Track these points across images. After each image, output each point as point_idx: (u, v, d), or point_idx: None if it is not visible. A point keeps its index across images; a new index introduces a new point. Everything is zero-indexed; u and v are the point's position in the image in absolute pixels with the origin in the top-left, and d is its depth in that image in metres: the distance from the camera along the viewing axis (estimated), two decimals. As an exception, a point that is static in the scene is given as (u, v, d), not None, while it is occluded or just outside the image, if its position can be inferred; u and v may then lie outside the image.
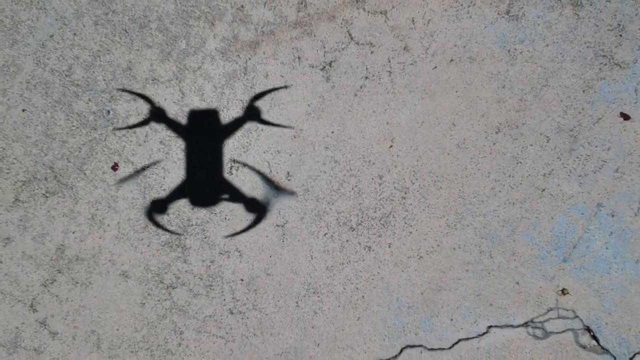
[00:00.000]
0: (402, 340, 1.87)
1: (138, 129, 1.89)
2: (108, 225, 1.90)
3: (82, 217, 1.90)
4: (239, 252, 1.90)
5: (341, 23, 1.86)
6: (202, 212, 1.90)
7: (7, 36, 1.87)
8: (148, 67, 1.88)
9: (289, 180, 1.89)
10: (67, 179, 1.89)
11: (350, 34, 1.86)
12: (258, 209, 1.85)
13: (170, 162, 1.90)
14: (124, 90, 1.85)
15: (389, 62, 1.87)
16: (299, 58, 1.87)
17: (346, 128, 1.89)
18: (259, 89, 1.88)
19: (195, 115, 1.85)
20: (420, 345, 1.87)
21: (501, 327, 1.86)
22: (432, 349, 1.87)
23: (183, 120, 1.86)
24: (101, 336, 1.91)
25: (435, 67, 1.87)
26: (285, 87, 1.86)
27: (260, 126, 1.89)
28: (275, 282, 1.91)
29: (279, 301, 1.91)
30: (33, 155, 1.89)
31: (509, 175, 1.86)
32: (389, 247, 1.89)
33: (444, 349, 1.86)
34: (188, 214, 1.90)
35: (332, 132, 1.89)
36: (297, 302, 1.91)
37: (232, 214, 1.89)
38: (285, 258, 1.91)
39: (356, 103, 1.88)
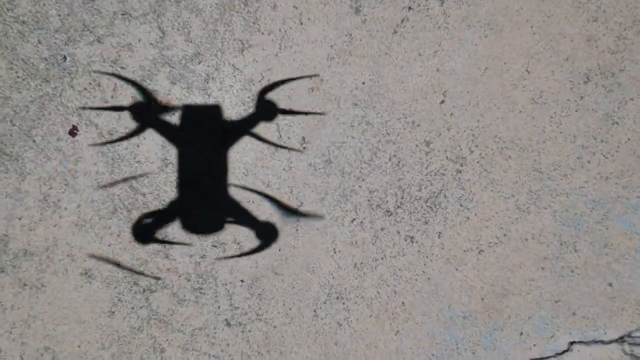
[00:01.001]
0: None
1: (104, 80, 1.57)
2: (65, 208, 1.64)
3: (31, 199, 1.65)
4: (239, 244, 1.64)
5: None
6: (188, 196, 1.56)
7: None
8: None
9: (304, 147, 1.64)
10: (10, 148, 1.63)
11: None
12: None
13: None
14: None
15: None
16: None
17: (382, 77, 1.66)
18: (264, 26, 1.56)
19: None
20: None
21: (587, 343, 1.68)
22: None
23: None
24: (57, 355, 1.69)
25: None
26: (300, 22, 1.52)
27: (266, 75, 1.56)
28: (287, 285, 1.69)
29: (290, 309, 1.71)
30: None
31: (602, 140, 1.64)
32: (439, 237, 1.69)
33: None
34: (169, 193, 1.58)
35: (363, 83, 1.66)
36: (315, 311, 1.70)
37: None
38: (300, 252, 1.68)
39: (396, 43, 1.65)
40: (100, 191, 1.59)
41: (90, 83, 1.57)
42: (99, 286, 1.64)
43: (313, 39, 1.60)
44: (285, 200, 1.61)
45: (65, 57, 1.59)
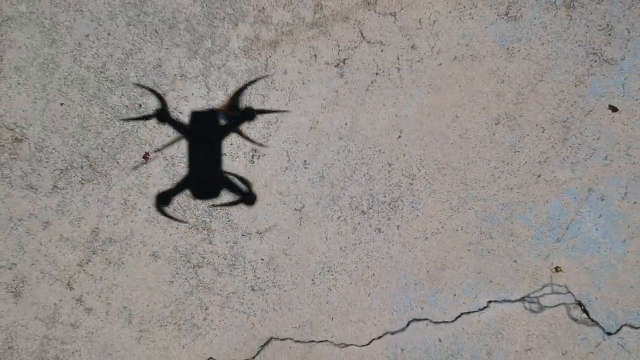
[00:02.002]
0: (409, 314, 1.98)
1: (167, 121, 2.03)
2: (139, 209, 2.02)
3: (115, 202, 2.02)
4: (260, 234, 2.04)
5: (354, 24, 2.01)
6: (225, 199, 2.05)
7: (46, 36, 2.02)
8: (176, 65, 2.02)
9: (306, 168, 2.03)
10: (101, 167, 2.02)
11: (362, 34, 2.01)
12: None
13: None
14: (149, 89, 2.00)
15: (398, 59, 2.00)
16: (315, 56, 2.02)
17: (358, 120, 2.02)
18: (278, 84, 2.03)
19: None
20: (426, 319, 1.98)
21: (500, 302, 1.97)
22: (436, 322, 1.98)
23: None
24: (132, 312, 2.02)
25: (440, 64, 2.00)
26: (303, 83, 2.00)
27: (280, 118, 2.03)
28: (293, 262, 2.02)
29: (296, 279, 2.02)
30: (70, 146, 2.01)
31: (508, 163, 1.99)
32: (398, 228, 2.02)
33: (447, 322, 1.98)
34: (215, 200, 2.05)
35: (346, 124, 2.03)
36: (312, 280, 2.02)
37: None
38: (302, 239, 2.02)
39: (367, 97, 2.02)
40: (165, 197, 2.01)
41: (158, 123, 2.03)
42: (162, 263, 2.01)
43: (311, 94, 2.01)
44: (292, 202, 2.06)
45: (140, 105, 2.02)
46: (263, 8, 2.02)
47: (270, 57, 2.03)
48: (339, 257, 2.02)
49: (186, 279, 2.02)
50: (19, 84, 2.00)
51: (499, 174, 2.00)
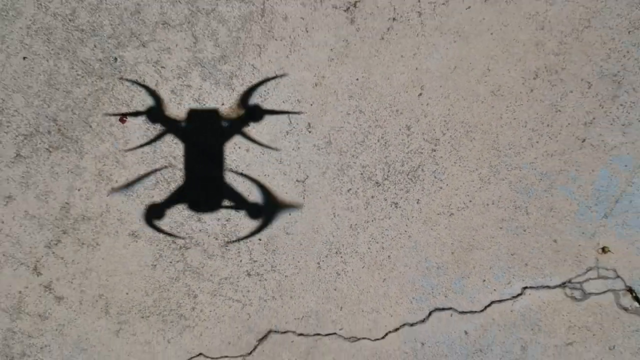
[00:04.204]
0: (431, 303, 1.92)
1: (147, 77, 1.88)
2: (116, 181, 1.91)
3: (88, 173, 1.92)
4: (257, 209, 1.93)
5: None
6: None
7: None
8: (158, 10, 1.88)
9: (310, 131, 1.90)
10: (71, 132, 1.91)
11: None
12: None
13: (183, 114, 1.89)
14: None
15: (419, 1, 1.87)
16: None
17: (372, 75, 1.90)
18: (277, 33, 1.87)
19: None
20: (450, 308, 1.92)
21: (537, 288, 1.90)
22: (462, 312, 1.92)
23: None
24: (110, 300, 1.95)
25: (469, 7, 1.86)
26: (306, 30, 1.83)
27: (280, 73, 1.88)
28: (295, 242, 1.94)
29: (299, 262, 1.95)
30: (35, 107, 1.89)
31: (548, 125, 1.88)
32: (417, 203, 1.93)
33: (475, 311, 1.91)
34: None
35: (357, 80, 1.91)
36: (318, 263, 1.94)
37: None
38: (306, 216, 1.93)
39: (383, 47, 1.89)
40: (145, 167, 1.88)
41: (136, 79, 1.88)
42: (144, 244, 1.92)
43: (317, 44, 1.88)
44: (294, 173, 1.92)
45: (116, 59, 1.88)
46: (259, -59, 1.83)
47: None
48: (348, 236, 1.94)
49: (171, 262, 1.94)
50: (-27, 34, 1.89)
51: (538, 138, 1.89)
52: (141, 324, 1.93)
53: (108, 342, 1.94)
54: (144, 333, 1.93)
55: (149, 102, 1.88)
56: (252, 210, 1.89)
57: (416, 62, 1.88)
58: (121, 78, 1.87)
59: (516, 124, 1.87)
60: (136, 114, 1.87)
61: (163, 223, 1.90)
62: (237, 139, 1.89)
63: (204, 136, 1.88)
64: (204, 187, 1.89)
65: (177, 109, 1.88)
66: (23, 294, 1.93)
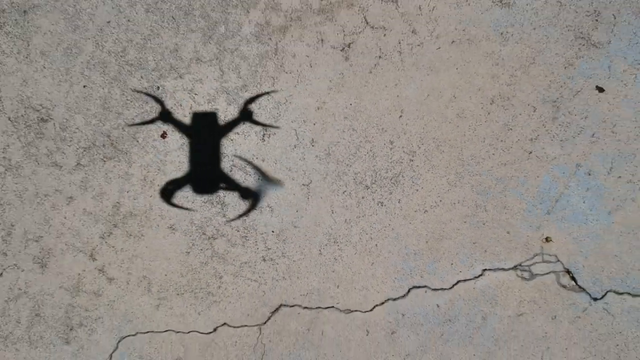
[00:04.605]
0: (410, 282, 2.06)
1: (184, 102, 2.14)
2: (158, 185, 2.11)
3: (135, 179, 2.10)
4: (270, 208, 2.13)
5: (358, 10, 2.13)
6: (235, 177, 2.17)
7: (70, 22, 2.13)
8: (192, 49, 2.13)
9: (313, 146, 2.14)
10: (122, 146, 2.10)
11: (366, 20, 2.11)
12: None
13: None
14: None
15: (399, 43, 2.10)
16: (322, 40, 2.12)
17: (362, 100, 2.09)
18: (287, 67, 2.14)
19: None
20: (425, 286, 2.05)
21: (494, 270, 2.05)
22: (434, 289, 2.05)
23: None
24: (151, 281, 2.09)
25: (439, 47, 2.09)
26: (310, 66, 2.11)
27: (289, 99, 2.14)
28: (301, 234, 2.10)
29: (304, 249, 2.10)
30: (92, 125, 2.10)
31: (501, 140, 2.07)
32: (399, 202, 2.09)
33: (445, 289, 2.05)
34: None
35: (350, 104, 2.10)
36: (319, 250, 2.10)
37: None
38: (310, 212, 2.10)
39: (371, 79, 2.09)
40: (181, 173, 2.09)
41: (174, 104, 2.14)
42: (180, 235, 2.08)
43: (318, 76, 2.10)
44: (300, 178, 2.11)
45: (158, 87, 2.12)
46: (273, -5, 2.13)
47: (279, 41, 2.13)
48: (344, 229, 2.09)
49: (202, 249, 2.10)
50: (44, 67, 2.12)
51: (493, 151, 2.07)
52: (177, 299, 2.06)
53: (150, 314, 2.07)
54: (179, 307, 2.07)
55: (186, 122, 2.14)
56: (266, 208, 2.11)
57: (397, 90, 2.08)
58: (162, 103, 2.12)
59: (477, 139, 2.07)
60: (174, 131, 2.16)
61: (195, 219, 2.11)
62: (254, 152, 2.12)
63: (226, 149, 2.13)
64: (228, 190, 2.15)
65: (207, 129, 2.12)
66: (81, 275, 2.08)
